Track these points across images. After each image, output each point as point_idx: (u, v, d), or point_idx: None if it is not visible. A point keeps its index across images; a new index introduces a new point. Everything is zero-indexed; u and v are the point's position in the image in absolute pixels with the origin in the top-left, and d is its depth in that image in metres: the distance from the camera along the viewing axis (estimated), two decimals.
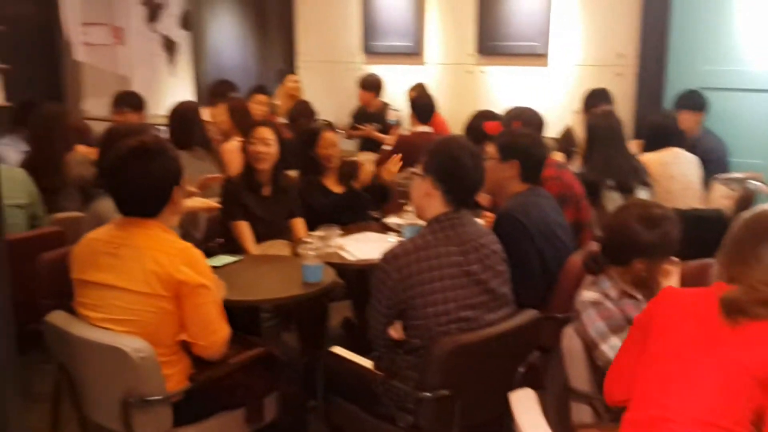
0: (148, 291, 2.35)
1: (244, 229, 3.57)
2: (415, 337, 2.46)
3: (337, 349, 2.70)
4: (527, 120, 3.83)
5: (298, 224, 3.83)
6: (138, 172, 2.41)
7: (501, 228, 2.94)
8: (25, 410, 3.28)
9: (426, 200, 2.53)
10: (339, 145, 4.20)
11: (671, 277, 2.38)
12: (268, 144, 3.66)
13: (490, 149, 3.13)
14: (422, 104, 5.54)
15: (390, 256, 2.45)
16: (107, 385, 2.39)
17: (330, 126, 4.30)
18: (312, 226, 3.70)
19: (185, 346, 2.49)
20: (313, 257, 2.88)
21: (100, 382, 2.43)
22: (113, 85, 7.59)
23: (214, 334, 2.45)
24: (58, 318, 2.49)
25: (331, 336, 3.89)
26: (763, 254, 1.84)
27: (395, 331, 2.52)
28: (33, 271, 2.91)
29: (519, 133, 3.20)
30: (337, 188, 4.18)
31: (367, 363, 2.60)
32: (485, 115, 4.39)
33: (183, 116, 4.42)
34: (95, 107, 7.51)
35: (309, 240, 2.92)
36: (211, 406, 2.54)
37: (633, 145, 4.61)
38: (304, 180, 4.18)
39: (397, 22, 7.10)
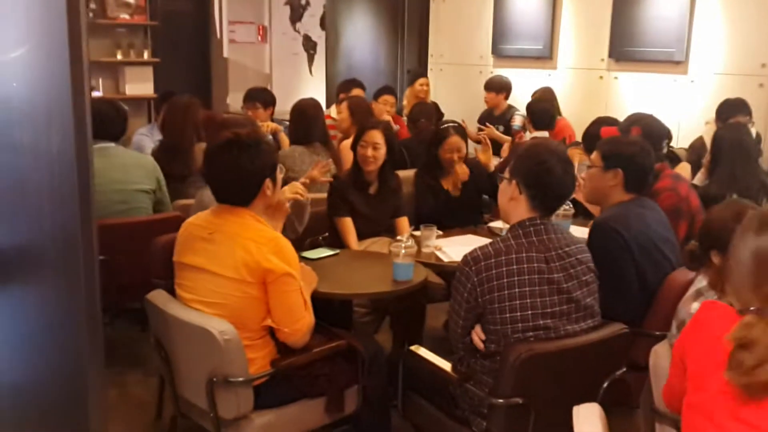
0: (237, 276, 2.47)
1: (347, 225, 3.64)
2: (491, 342, 2.44)
3: (418, 349, 2.71)
4: (647, 127, 3.67)
5: (402, 223, 3.87)
6: (229, 163, 2.54)
7: (596, 238, 2.86)
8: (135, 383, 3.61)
9: (511, 205, 2.50)
10: (464, 150, 4.17)
11: None
12: (376, 147, 3.72)
13: (594, 157, 3.04)
14: (538, 110, 5.42)
15: (470, 259, 2.44)
16: (195, 364, 2.54)
17: (459, 128, 4.25)
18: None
19: (271, 333, 2.61)
20: (404, 255, 2.91)
21: (189, 360, 2.58)
22: (256, 81, 7.94)
23: (298, 321, 2.54)
24: (157, 297, 2.67)
25: (429, 336, 3.91)
26: None
27: (478, 337, 2.50)
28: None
29: (624, 141, 3.08)
30: (454, 190, 4.17)
31: (446, 364, 2.60)
32: (604, 122, 4.25)
33: (302, 113, 4.57)
34: (239, 102, 7.89)
35: (401, 238, 2.95)
36: (292, 393, 2.63)
37: None
38: (421, 179, 4.21)
39: (528, 24, 7.01)
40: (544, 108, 5.47)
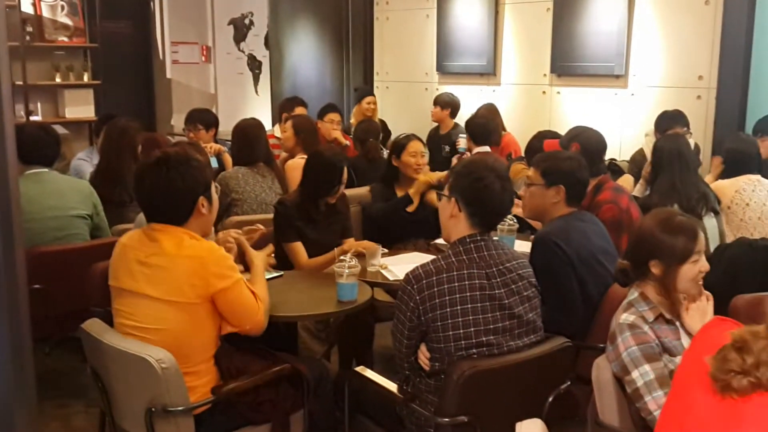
0: (181, 300, 2.42)
1: (298, 249, 3.57)
2: (435, 360, 2.43)
3: (364, 370, 2.68)
4: (585, 142, 3.71)
5: (348, 242, 3.83)
6: (159, 182, 2.49)
7: (537, 252, 2.87)
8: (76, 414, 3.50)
9: (451, 222, 2.50)
10: (426, 158, 4.20)
11: (704, 314, 2.27)
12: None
13: (533, 174, 3.06)
14: (477, 125, 5.47)
15: (412, 278, 2.42)
16: (133, 394, 2.46)
17: (417, 137, 4.28)
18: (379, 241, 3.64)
19: (214, 358, 2.55)
20: (348, 275, 2.88)
21: (127, 389, 2.50)
22: (200, 101, 7.87)
23: (255, 316, 2.56)
24: (92, 326, 2.58)
25: (380, 355, 3.87)
26: None
27: (423, 357, 2.48)
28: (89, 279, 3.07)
29: (562, 157, 3.11)
30: (410, 206, 4.14)
31: (392, 385, 2.57)
32: (545, 136, 4.29)
33: (244, 133, 4.53)
34: (183, 123, 7.80)
35: (345, 258, 2.92)
36: (236, 420, 2.57)
37: (713, 162, 4.43)
38: (376, 192, 4.19)
39: (471, 41, 7.07)
40: (481, 123, 5.51)
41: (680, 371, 1.77)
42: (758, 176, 4.23)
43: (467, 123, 5.62)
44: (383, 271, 3.37)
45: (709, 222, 3.89)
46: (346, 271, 2.89)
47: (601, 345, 2.65)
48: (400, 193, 4.18)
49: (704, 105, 5.46)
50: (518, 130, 6.22)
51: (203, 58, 8.49)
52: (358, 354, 3.58)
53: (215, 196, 2.64)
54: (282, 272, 3.27)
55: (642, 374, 2.20)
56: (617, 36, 5.94)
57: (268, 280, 3.10)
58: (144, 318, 2.47)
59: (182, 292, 2.42)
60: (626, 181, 4.93)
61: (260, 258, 2.85)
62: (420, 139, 4.27)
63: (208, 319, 2.49)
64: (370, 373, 2.65)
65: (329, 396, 2.76)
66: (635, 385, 2.21)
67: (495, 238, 2.60)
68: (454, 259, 2.43)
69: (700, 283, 2.34)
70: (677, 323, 2.33)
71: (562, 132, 4.40)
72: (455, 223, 2.48)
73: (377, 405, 2.66)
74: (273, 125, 6.61)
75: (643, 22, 5.84)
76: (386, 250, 3.61)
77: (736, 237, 3.84)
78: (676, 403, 1.71)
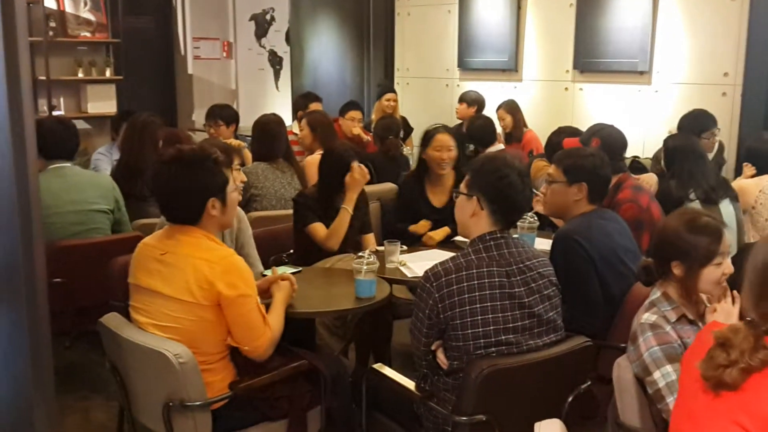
0: (190, 299, 2.41)
1: (320, 228, 3.59)
2: (454, 358, 2.40)
3: (381, 367, 2.66)
4: (605, 138, 3.68)
5: (369, 240, 3.83)
6: (171, 180, 2.49)
7: (558, 250, 2.84)
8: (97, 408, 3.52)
9: (473, 221, 2.47)
10: (454, 151, 4.03)
11: (730, 315, 2.23)
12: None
13: (554, 171, 3.03)
14: (476, 128, 5.46)
15: (431, 275, 2.40)
16: (151, 388, 2.47)
17: (447, 129, 4.14)
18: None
19: (231, 354, 2.54)
20: (366, 272, 2.86)
21: (144, 384, 2.51)
22: (221, 97, 7.88)
23: (257, 339, 2.48)
24: (111, 320, 2.59)
25: (398, 353, 3.86)
26: None
27: (441, 357, 2.46)
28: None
29: (583, 154, 3.07)
30: (438, 201, 4.09)
31: (409, 383, 2.55)
32: (566, 132, 4.25)
33: (264, 129, 4.53)
34: (203, 119, 7.82)
35: (363, 255, 2.90)
36: (253, 416, 2.57)
37: (745, 170, 4.35)
38: (406, 187, 4.16)
39: (493, 37, 7.03)
40: (479, 126, 5.48)
41: (681, 377, 1.82)
42: None
43: (468, 132, 5.59)
44: (402, 268, 3.35)
45: (726, 209, 3.82)
46: (365, 267, 2.87)
47: (623, 345, 2.62)
48: (429, 188, 4.10)
49: (729, 102, 5.39)
50: (540, 126, 6.17)
51: (224, 54, 8.50)
52: (376, 351, 3.57)
53: (233, 197, 2.61)
54: (301, 268, 3.26)
55: (664, 375, 2.17)
56: (641, 32, 5.87)
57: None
58: (159, 315, 2.47)
59: (192, 293, 2.41)
60: (649, 178, 4.86)
61: (283, 290, 2.73)
62: (450, 132, 4.10)
63: (218, 322, 2.46)
64: (387, 371, 2.63)
65: (346, 393, 2.74)
66: (657, 386, 2.17)
67: (515, 235, 2.58)
68: (473, 256, 2.41)
69: (724, 284, 2.29)
70: (700, 324, 2.29)
71: (584, 129, 4.36)
72: (476, 221, 2.46)
73: (394, 402, 2.64)
74: (293, 121, 6.61)
75: (667, 17, 5.77)
76: (405, 247, 3.58)
77: (761, 237, 3.78)
78: (679, 410, 1.77)
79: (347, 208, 3.61)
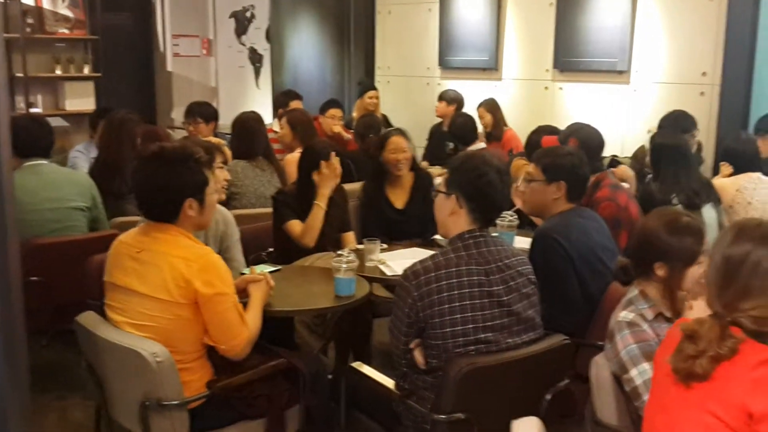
0: (167, 298, 2.39)
1: (296, 225, 3.59)
2: (433, 357, 2.40)
3: (360, 366, 2.66)
4: (583, 138, 3.70)
5: (349, 238, 3.83)
6: (149, 177, 2.47)
7: (538, 248, 2.86)
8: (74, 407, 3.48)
9: (451, 219, 2.47)
10: (410, 152, 4.10)
11: (703, 312, 2.24)
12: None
13: (533, 170, 3.04)
14: (458, 126, 5.49)
15: (410, 274, 2.40)
16: (127, 387, 2.45)
17: (402, 131, 4.18)
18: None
19: (208, 353, 2.53)
20: (346, 270, 2.86)
21: (121, 383, 2.49)
22: (201, 95, 7.84)
23: (235, 338, 2.47)
24: (87, 319, 2.57)
25: (379, 351, 3.85)
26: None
27: (419, 356, 2.46)
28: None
29: (562, 152, 3.08)
30: (399, 202, 4.12)
31: (388, 381, 2.55)
32: (545, 130, 4.27)
33: (244, 127, 4.51)
34: (183, 116, 7.77)
35: (343, 253, 2.90)
36: (231, 415, 2.55)
37: (723, 169, 4.39)
38: (367, 191, 4.16)
39: (474, 36, 7.05)
40: (461, 123, 5.51)
41: (653, 373, 1.87)
42: (759, 174, 4.20)
43: (450, 128, 5.61)
44: (381, 267, 3.35)
45: (709, 213, 3.85)
46: (344, 266, 2.87)
47: (600, 343, 2.63)
48: (389, 190, 4.12)
49: (708, 102, 5.43)
50: (520, 125, 6.18)
51: (204, 51, 8.46)
52: (356, 349, 3.56)
53: (211, 198, 2.59)
54: (280, 267, 3.25)
55: (641, 372, 2.18)
56: (620, 31, 5.91)
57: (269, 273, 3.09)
58: (135, 314, 2.45)
59: (168, 291, 2.39)
60: (625, 170, 4.88)
61: (259, 289, 2.71)
62: (404, 134, 4.16)
63: (195, 321, 2.44)
64: (366, 369, 2.64)
65: (325, 391, 2.74)
66: (634, 384, 2.19)
67: (495, 234, 2.58)
68: (453, 255, 2.41)
69: (702, 282, 2.31)
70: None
71: (563, 128, 4.38)
72: (455, 219, 2.46)
73: (374, 401, 2.64)
74: (273, 119, 6.59)
75: (646, 17, 5.81)
76: (385, 246, 3.58)
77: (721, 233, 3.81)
78: (652, 404, 1.82)
79: (319, 204, 3.61)
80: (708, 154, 5.28)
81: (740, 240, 1.70)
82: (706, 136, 5.37)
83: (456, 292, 2.35)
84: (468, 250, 2.41)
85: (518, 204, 3.36)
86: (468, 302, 2.35)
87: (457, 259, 2.40)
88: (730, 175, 4.31)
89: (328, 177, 3.66)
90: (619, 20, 5.91)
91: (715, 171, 4.80)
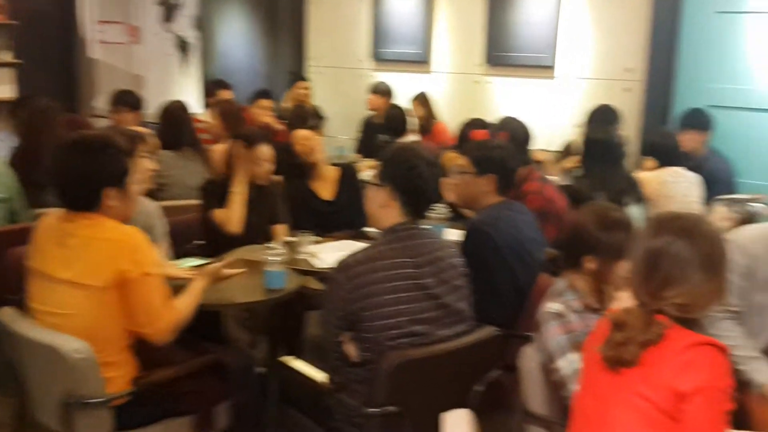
0: (92, 283, 2.31)
1: (219, 213, 3.54)
2: (365, 350, 2.39)
3: (290, 360, 2.63)
4: (513, 131, 3.74)
5: (279, 230, 3.77)
6: (67, 165, 2.39)
7: (468, 241, 2.87)
8: None
9: (383, 211, 2.45)
10: (316, 140, 4.12)
11: (625, 300, 2.29)
12: (271, 161, 3.68)
13: (465, 162, 3.05)
14: (394, 116, 5.51)
15: (342, 266, 2.38)
16: (48, 385, 2.36)
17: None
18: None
19: (134, 349, 2.46)
20: (276, 263, 2.81)
21: (42, 381, 2.40)
22: (127, 83, 7.59)
23: (159, 320, 2.40)
24: (5, 315, 2.46)
25: (312, 344, 3.81)
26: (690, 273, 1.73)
27: (351, 349, 2.44)
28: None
29: (492, 145, 3.11)
30: (327, 194, 4.10)
31: (320, 374, 2.53)
32: (476, 124, 4.31)
33: (171, 116, 4.41)
34: (107, 105, 7.53)
35: (273, 245, 2.85)
36: (157, 412, 2.49)
37: (646, 163, 4.50)
38: (290, 185, 4.11)
39: (406, 29, 7.06)
40: (396, 116, 5.53)
41: (583, 363, 1.92)
42: (680, 169, 4.32)
43: (385, 120, 5.64)
44: (313, 259, 3.31)
45: (633, 211, 3.96)
46: (274, 258, 2.83)
47: (530, 333, 2.67)
48: (313, 183, 4.09)
49: (632, 97, 5.57)
50: (451, 119, 6.22)
51: (130, 38, 8.21)
52: (287, 343, 3.51)
53: (134, 188, 2.51)
54: (209, 260, 3.18)
55: (569, 362, 2.22)
56: (547, 27, 6.01)
57: (195, 268, 3.03)
58: (56, 303, 2.36)
59: (94, 275, 2.31)
60: (556, 170, 4.98)
61: (205, 278, 2.64)
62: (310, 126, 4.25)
63: (119, 308, 2.36)
64: (297, 363, 2.61)
65: (255, 387, 2.70)
66: (561, 373, 2.23)
67: (426, 226, 2.58)
68: (385, 247, 2.40)
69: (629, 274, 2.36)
70: (604, 312, 2.35)
71: (493, 121, 4.43)
72: (387, 211, 2.44)
73: (305, 396, 2.62)
74: (204, 109, 6.46)
75: (572, 13, 5.91)
76: (317, 238, 3.55)
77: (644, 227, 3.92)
78: (582, 392, 1.89)
79: (235, 191, 3.55)
80: (633, 149, 5.42)
81: (660, 233, 1.77)
82: (630, 131, 5.51)
83: (388, 284, 2.34)
84: (400, 242, 2.41)
85: (449, 197, 3.37)
86: (400, 295, 2.35)
87: (389, 251, 2.38)
88: (654, 168, 4.43)
89: (245, 161, 3.59)
90: (546, 16, 6.00)
91: (640, 165, 4.92)
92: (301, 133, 4.10)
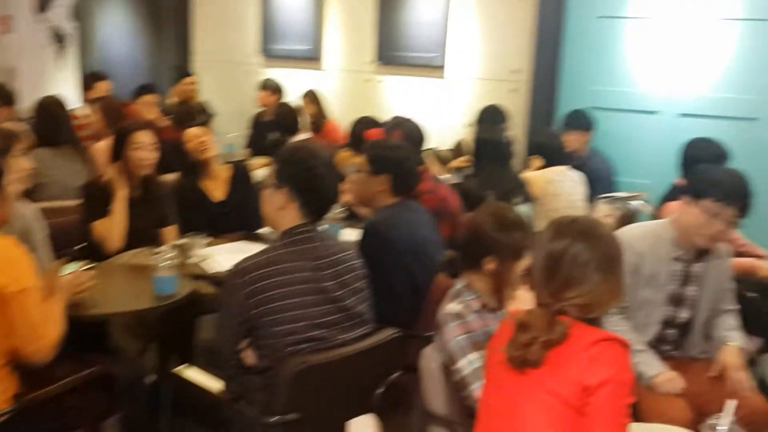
0: None
1: (104, 228, 3.34)
2: (264, 357, 2.32)
3: (185, 369, 2.52)
4: (408, 131, 3.75)
5: (169, 233, 3.61)
6: None
7: (365, 242, 2.85)
8: None
9: (280, 213, 2.38)
10: (209, 138, 3.96)
11: (526, 302, 2.33)
12: (151, 149, 3.46)
13: (361, 161, 3.03)
14: (285, 114, 5.46)
15: (238, 270, 2.29)
16: None
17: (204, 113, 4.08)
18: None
19: (13, 364, 2.28)
20: (166, 268, 2.69)
21: None
22: None
23: (42, 338, 2.24)
24: None
25: (203, 352, 3.68)
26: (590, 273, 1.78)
27: (250, 356, 2.36)
28: None
29: (390, 145, 3.11)
30: (219, 194, 3.97)
31: (216, 384, 2.44)
32: (366, 122, 4.30)
33: (47, 111, 4.17)
34: None
35: (163, 249, 2.73)
36: (43, 429, 2.35)
37: (533, 163, 4.61)
38: (181, 184, 3.96)
39: (296, 25, 6.97)
40: (287, 113, 5.48)
41: (487, 363, 1.95)
42: (565, 168, 4.47)
43: (276, 117, 5.57)
44: (205, 262, 3.20)
45: (523, 210, 4.05)
46: (164, 263, 2.71)
47: (430, 334, 2.67)
48: (205, 183, 3.94)
49: (519, 98, 5.70)
50: (343, 117, 6.19)
51: (1, 28, 7.72)
52: (179, 351, 3.38)
53: (9, 189, 2.35)
54: (94, 264, 3.00)
55: (469, 362, 2.23)
56: (437, 27, 6.06)
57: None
58: None
59: None
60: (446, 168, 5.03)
61: (65, 287, 2.48)
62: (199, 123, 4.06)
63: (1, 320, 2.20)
64: (191, 373, 2.51)
65: (145, 399, 2.58)
66: (462, 374, 2.24)
67: (323, 226, 2.54)
68: (284, 250, 2.33)
69: (525, 274, 2.40)
70: (502, 312, 2.38)
71: (384, 120, 4.44)
72: (285, 213, 2.37)
73: (200, 406, 2.52)
74: (84, 103, 6.15)
75: (461, 13, 5.99)
76: (209, 239, 3.43)
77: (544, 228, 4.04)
78: (488, 392, 1.91)
79: (118, 198, 3.38)
80: (519, 148, 5.55)
81: (560, 236, 1.82)
82: (517, 131, 5.64)
83: (287, 288, 2.28)
84: (299, 245, 2.35)
85: (346, 198, 3.34)
86: (299, 299, 2.29)
87: (288, 254, 2.32)
88: (540, 168, 4.56)
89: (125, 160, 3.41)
90: (436, 16, 6.06)
91: (527, 165, 5.05)
92: (193, 131, 3.94)
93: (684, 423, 2.37)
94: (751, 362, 2.74)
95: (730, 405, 2.07)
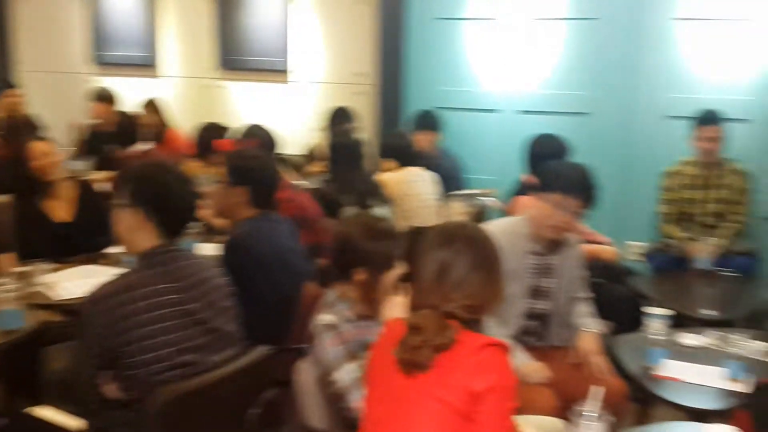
0: None
1: None
2: (129, 388, 2.16)
3: (34, 409, 2.31)
4: (262, 139, 3.68)
5: (5, 261, 3.32)
6: None
7: (229, 258, 2.76)
8: None
9: (136, 234, 2.23)
10: (55, 156, 3.71)
11: (397, 306, 2.34)
12: None
13: (220, 172, 2.93)
14: (123, 125, 5.24)
15: (95, 298, 2.12)
16: None
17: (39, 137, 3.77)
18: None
19: None
20: (9, 300, 2.46)
21: None
22: None
23: None
24: None
25: (57, 382, 3.41)
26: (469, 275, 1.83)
27: (113, 390, 2.20)
28: None
29: (248, 156, 3.02)
30: (63, 215, 3.69)
31: (74, 421, 2.25)
32: (212, 129, 4.19)
33: None
34: None
35: (3, 280, 2.49)
36: None
37: (386, 165, 4.63)
38: (18, 206, 3.65)
39: (129, 31, 6.71)
40: (127, 124, 5.28)
41: (372, 369, 1.93)
42: (418, 168, 4.54)
43: (118, 128, 5.32)
44: (52, 290, 2.97)
45: (380, 212, 4.08)
46: (6, 294, 2.48)
47: (301, 346, 2.62)
48: (46, 204, 3.66)
49: (366, 101, 5.74)
50: (184, 125, 5.98)
51: None
52: (27, 388, 3.11)
53: None
54: None
55: (346, 373, 2.21)
56: (278, 32, 6.01)
57: None
58: None
59: None
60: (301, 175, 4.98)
61: None
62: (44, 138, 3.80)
63: None
64: (45, 412, 2.30)
65: None
66: (339, 385, 2.21)
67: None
68: (145, 273, 2.18)
69: (398, 282, 2.40)
70: (377, 320, 2.36)
71: (230, 126, 4.34)
72: (142, 234, 2.22)
73: None
74: None
75: (300, 19, 5.96)
76: (53, 265, 3.19)
77: (403, 226, 4.09)
78: (372, 398, 1.89)
79: None
80: (370, 151, 5.59)
81: (447, 241, 1.86)
82: (367, 133, 5.68)
83: (151, 314, 2.13)
84: (160, 267, 2.20)
85: (202, 214, 3.21)
86: (165, 324, 2.15)
87: (148, 278, 2.17)
88: (394, 169, 4.60)
89: None
90: (276, 21, 6.02)
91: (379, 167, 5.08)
92: (41, 147, 3.64)
93: (552, 411, 2.47)
94: (607, 346, 2.89)
95: (597, 391, 2.17)
